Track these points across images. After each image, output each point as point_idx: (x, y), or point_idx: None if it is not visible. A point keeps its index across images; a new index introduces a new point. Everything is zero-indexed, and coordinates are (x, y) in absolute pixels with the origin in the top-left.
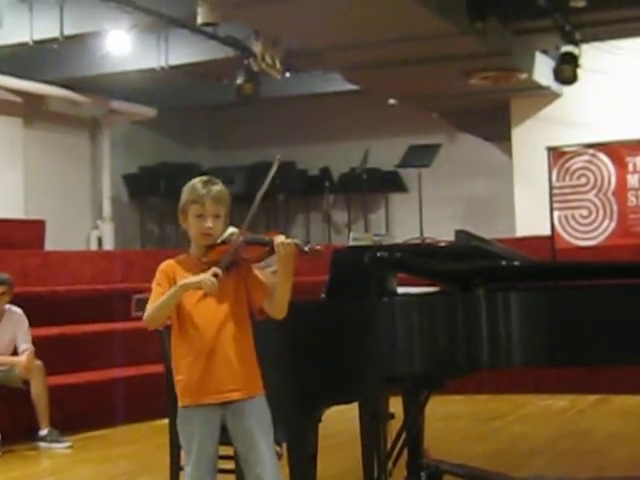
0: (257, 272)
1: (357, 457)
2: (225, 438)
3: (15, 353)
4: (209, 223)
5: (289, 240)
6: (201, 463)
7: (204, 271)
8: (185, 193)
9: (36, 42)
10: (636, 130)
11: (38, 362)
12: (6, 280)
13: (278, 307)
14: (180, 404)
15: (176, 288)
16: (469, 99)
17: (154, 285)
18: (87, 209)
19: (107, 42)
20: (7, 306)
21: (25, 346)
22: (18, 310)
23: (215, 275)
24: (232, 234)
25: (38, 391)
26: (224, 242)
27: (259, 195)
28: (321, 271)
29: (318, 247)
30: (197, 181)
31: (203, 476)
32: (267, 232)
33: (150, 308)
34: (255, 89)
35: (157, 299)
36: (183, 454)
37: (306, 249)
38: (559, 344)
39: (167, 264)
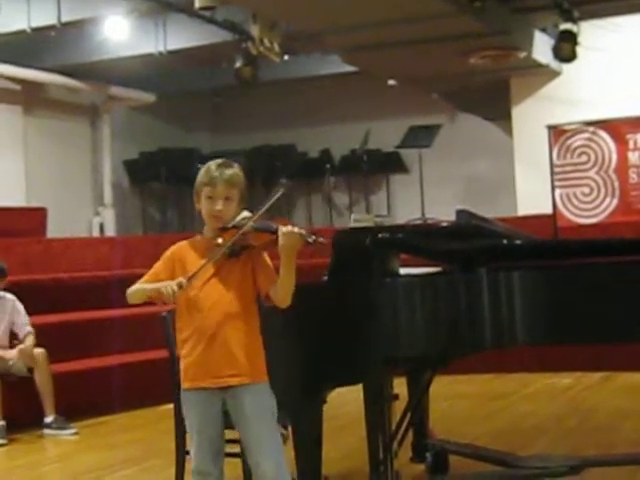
0: (266, 258)
1: (362, 438)
2: (230, 422)
3: (12, 339)
4: (219, 206)
5: (295, 230)
6: (202, 446)
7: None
8: (200, 175)
9: (34, 29)
10: (636, 107)
11: (42, 350)
12: None
13: (281, 296)
14: (182, 387)
15: (145, 289)
16: (468, 79)
17: (155, 264)
18: (88, 196)
19: (105, 28)
20: (0, 293)
21: (26, 330)
22: (11, 297)
23: (179, 285)
24: (245, 218)
25: (42, 379)
26: (236, 226)
27: (257, 213)
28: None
29: (322, 239)
30: (212, 163)
31: (205, 459)
32: (276, 219)
33: (135, 286)
34: (254, 73)
35: (146, 280)
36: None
37: (310, 240)
38: (562, 322)
39: (179, 246)
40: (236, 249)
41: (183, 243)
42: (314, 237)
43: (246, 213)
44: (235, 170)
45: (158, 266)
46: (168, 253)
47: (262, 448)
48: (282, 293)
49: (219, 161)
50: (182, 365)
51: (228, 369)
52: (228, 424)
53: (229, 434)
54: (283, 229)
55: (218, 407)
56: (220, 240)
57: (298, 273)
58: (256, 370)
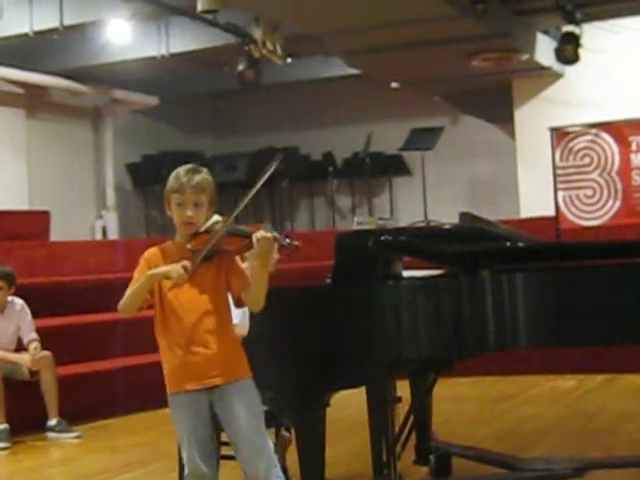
0: (239, 262)
1: (365, 441)
2: (219, 424)
3: (20, 344)
4: (189, 212)
5: (268, 234)
6: (194, 448)
7: (188, 259)
8: (169, 182)
9: (36, 33)
10: (639, 109)
11: (47, 353)
12: (5, 275)
13: (254, 299)
14: (168, 392)
15: (144, 278)
16: (471, 81)
17: (134, 273)
18: (91, 199)
19: (107, 31)
20: (9, 298)
21: (31, 336)
22: (19, 301)
23: (184, 268)
24: (216, 222)
25: (48, 382)
26: (208, 230)
27: (252, 191)
28: (326, 256)
29: (296, 243)
30: (180, 170)
31: (197, 462)
32: (251, 224)
33: (124, 297)
34: (256, 75)
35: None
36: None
37: (284, 243)
38: (565, 325)
39: (151, 252)
40: (209, 254)
41: (154, 249)
42: (288, 240)
43: (217, 217)
44: (203, 175)
45: (140, 274)
46: (145, 258)
47: (254, 446)
48: (255, 297)
49: (187, 167)
50: (165, 370)
51: (211, 369)
52: (218, 426)
53: (225, 437)
54: (257, 234)
55: (206, 408)
56: (189, 245)
57: (302, 275)
58: (239, 367)
